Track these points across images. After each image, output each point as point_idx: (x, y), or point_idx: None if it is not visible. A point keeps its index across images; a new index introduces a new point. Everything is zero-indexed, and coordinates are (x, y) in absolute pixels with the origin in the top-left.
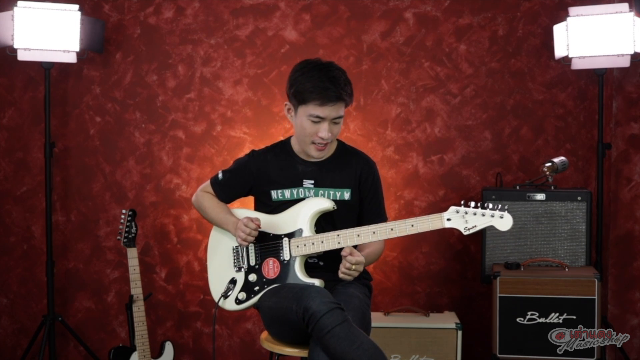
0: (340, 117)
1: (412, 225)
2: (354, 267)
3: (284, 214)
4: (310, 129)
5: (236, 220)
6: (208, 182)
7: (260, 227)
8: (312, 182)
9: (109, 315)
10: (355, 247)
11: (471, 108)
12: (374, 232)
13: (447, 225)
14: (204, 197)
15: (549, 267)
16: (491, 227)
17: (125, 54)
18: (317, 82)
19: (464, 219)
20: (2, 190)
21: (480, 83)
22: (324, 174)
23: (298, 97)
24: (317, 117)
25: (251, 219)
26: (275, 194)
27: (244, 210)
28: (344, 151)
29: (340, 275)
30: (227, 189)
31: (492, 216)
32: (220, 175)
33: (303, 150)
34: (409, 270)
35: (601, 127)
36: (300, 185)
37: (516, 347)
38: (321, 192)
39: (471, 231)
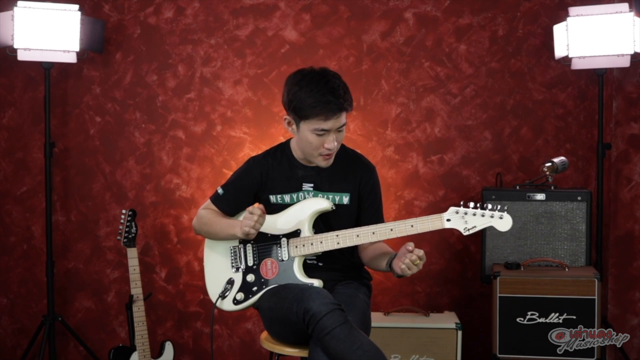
0: (343, 125)
1: (412, 226)
2: (418, 261)
3: (282, 214)
4: (316, 142)
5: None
6: (207, 203)
7: (264, 212)
8: (312, 185)
9: (109, 315)
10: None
11: (471, 108)
12: (373, 233)
13: (447, 225)
14: (204, 212)
15: (549, 267)
16: (491, 228)
17: (125, 54)
18: (318, 96)
19: (464, 219)
20: (2, 190)
21: (480, 83)
22: (324, 178)
23: (299, 113)
24: (322, 130)
25: (253, 207)
26: (274, 198)
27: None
28: (344, 154)
29: (402, 266)
30: (232, 201)
31: (492, 217)
32: (220, 190)
33: (306, 159)
34: None
35: (601, 127)
36: (300, 189)
37: (516, 347)
38: (320, 195)
39: (471, 232)
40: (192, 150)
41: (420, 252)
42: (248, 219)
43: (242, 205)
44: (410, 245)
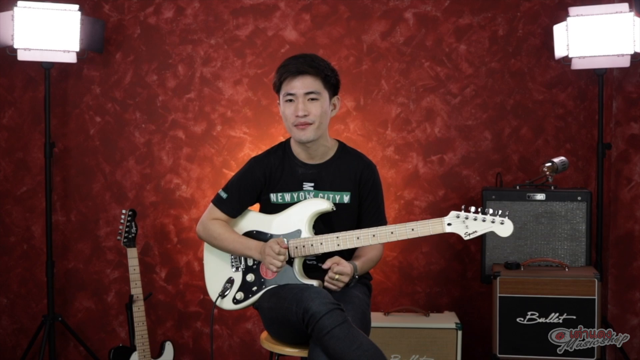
0: (313, 93)
1: (413, 229)
2: (337, 276)
3: (282, 214)
4: (289, 112)
5: (258, 243)
6: (210, 207)
7: (287, 248)
8: (312, 184)
9: (109, 315)
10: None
11: (471, 108)
12: (373, 235)
13: (448, 230)
14: (213, 224)
15: (549, 267)
16: (491, 232)
17: (125, 54)
18: (283, 63)
19: (465, 224)
20: (2, 190)
21: (480, 83)
22: (324, 177)
23: (275, 85)
24: (288, 94)
25: (277, 242)
26: (274, 197)
27: (252, 212)
28: (344, 153)
29: (325, 283)
30: (236, 203)
31: (493, 222)
32: (222, 194)
33: (304, 153)
34: (409, 270)
35: (601, 127)
36: (301, 188)
37: (516, 347)
38: (321, 195)
39: (471, 236)
40: (192, 150)
41: (336, 268)
42: (274, 258)
43: (246, 206)
44: (326, 265)
